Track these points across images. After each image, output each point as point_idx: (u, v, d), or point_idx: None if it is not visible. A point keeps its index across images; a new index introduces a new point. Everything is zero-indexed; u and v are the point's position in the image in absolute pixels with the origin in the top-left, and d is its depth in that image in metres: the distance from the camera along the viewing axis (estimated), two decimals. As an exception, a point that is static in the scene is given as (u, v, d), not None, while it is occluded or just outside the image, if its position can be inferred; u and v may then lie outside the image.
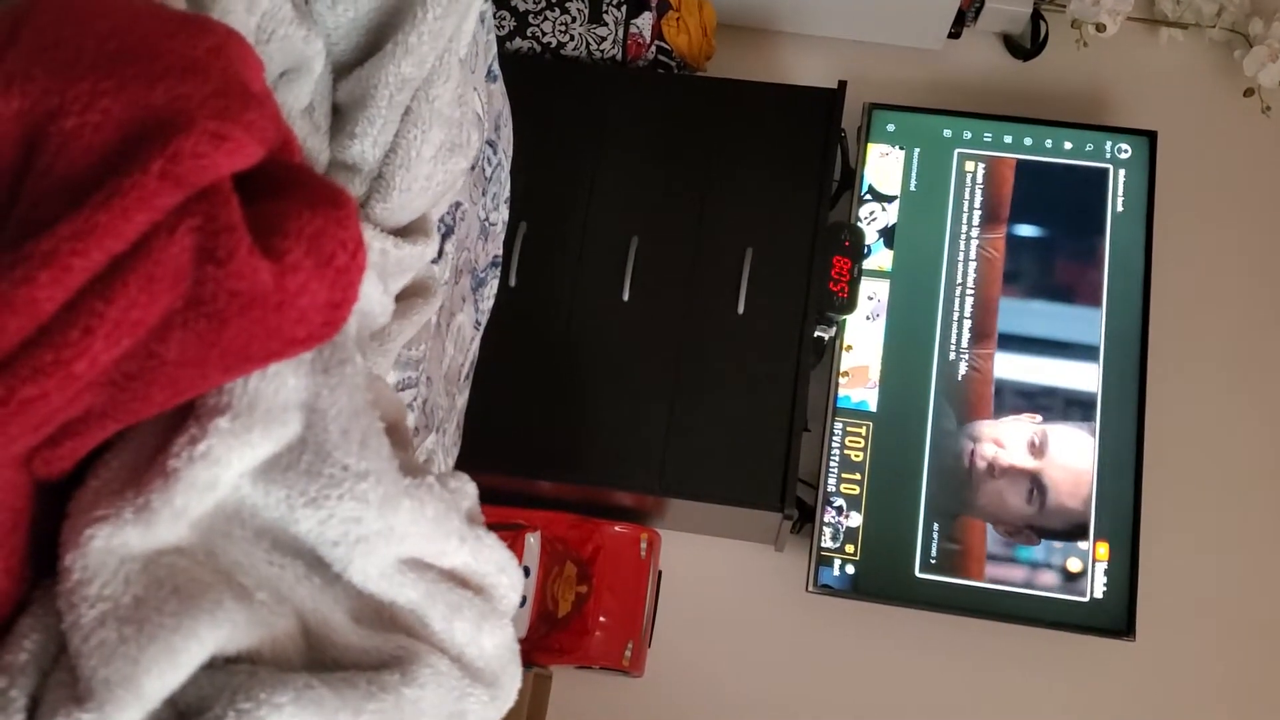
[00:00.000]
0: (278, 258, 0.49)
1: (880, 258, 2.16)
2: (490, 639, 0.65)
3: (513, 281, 1.96)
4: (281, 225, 0.49)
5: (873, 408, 2.07)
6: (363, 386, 0.58)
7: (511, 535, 2.04)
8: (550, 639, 2.04)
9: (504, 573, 0.67)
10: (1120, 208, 2.13)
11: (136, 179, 0.44)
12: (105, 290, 0.45)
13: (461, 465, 1.63)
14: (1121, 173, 2.15)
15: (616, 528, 2.08)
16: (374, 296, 0.69)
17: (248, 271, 0.47)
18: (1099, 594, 1.94)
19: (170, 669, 0.50)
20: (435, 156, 0.78)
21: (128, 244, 0.45)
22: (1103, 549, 1.96)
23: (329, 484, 0.56)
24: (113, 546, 0.51)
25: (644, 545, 2.08)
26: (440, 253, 1.28)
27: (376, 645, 0.59)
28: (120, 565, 0.51)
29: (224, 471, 0.53)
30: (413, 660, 0.59)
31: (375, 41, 0.76)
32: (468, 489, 0.64)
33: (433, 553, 0.61)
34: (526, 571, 2.04)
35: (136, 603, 0.51)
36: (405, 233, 0.79)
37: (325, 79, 0.76)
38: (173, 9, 0.52)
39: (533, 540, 2.05)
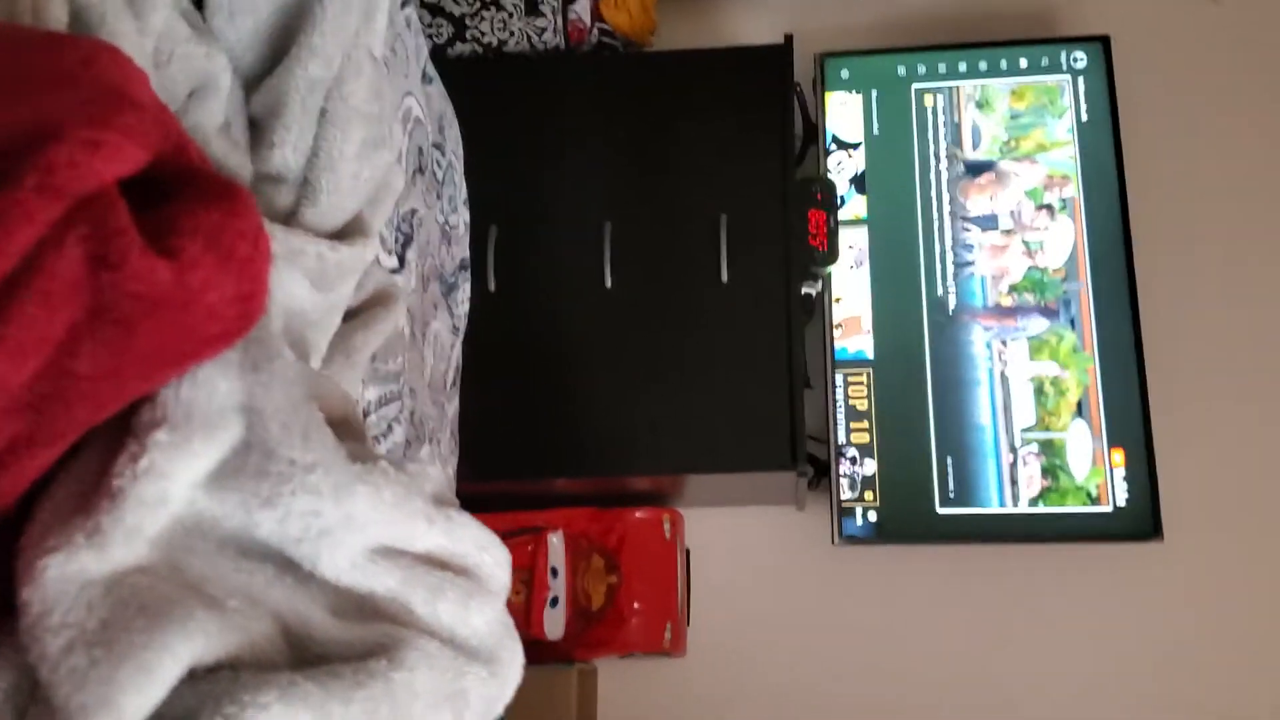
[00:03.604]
0: (175, 256, 0.48)
1: (854, 205, 2.15)
2: (479, 616, 0.65)
3: (492, 286, 1.96)
4: (175, 224, 0.49)
5: (870, 355, 2.07)
6: (296, 380, 0.58)
7: (533, 539, 2.04)
8: (588, 634, 2.04)
9: (485, 551, 0.67)
10: (1085, 117, 2.12)
11: (12, 197, 0.44)
12: (1, 313, 0.44)
13: (466, 475, 1.63)
14: (1080, 82, 2.13)
15: (637, 514, 2.07)
16: (301, 295, 0.68)
17: (145, 273, 0.47)
18: (1121, 502, 1.93)
19: (147, 685, 0.50)
20: (359, 154, 0.78)
21: (16, 263, 0.44)
22: (1118, 456, 1.95)
23: (279, 481, 0.55)
24: (69, 574, 0.51)
25: (667, 526, 2.08)
26: (402, 262, 1.28)
27: (360, 636, 0.59)
28: (80, 591, 0.51)
29: (171, 485, 0.53)
30: (399, 645, 0.59)
31: (280, 49, 0.76)
32: (429, 472, 0.64)
33: (401, 537, 0.61)
34: (554, 572, 2.04)
35: (103, 625, 0.50)
36: (341, 235, 0.78)
37: (236, 93, 0.76)
38: (38, 29, 0.51)
39: (555, 540, 2.05)
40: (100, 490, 0.52)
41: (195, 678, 0.54)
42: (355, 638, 0.59)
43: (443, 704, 0.61)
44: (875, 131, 2.17)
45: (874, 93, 2.20)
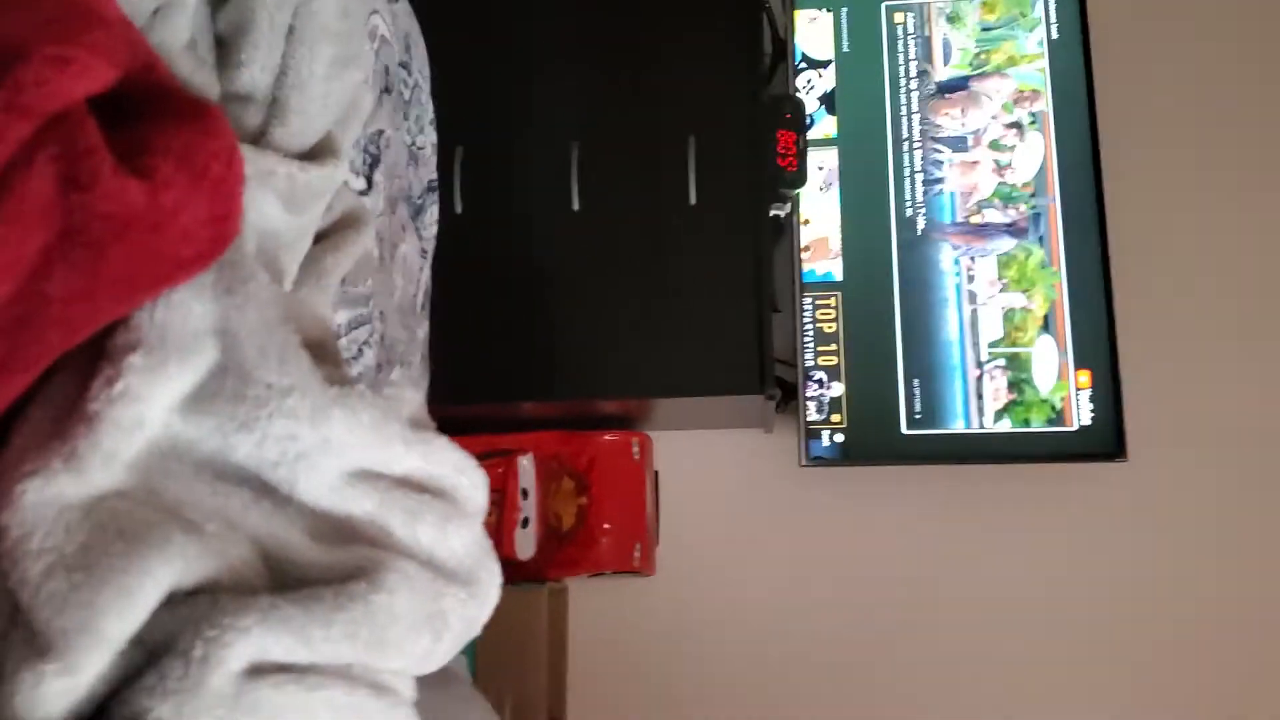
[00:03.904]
0: (148, 176, 0.47)
1: (824, 125, 2.14)
2: (458, 538, 0.65)
3: (458, 209, 1.94)
4: (148, 144, 0.48)
5: (839, 277, 2.07)
6: (271, 302, 0.57)
7: (503, 461, 2.05)
8: (559, 554, 2.06)
9: (463, 474, 0.67)
10: (1055, 35, 2.11)
11: (-20, 116, 0.43)
12: (-29, 235, 0.44)
13: (435, 399, 1.62)
14: (1052, -1, 2.12)
15: (606, 436, 2.09)
16: (275, 216, 0.67)
17: (116, 193, 0.46)
18: (1086, 421, 1.96)
19: (128, 609, 0.50)
20: (328, 73, 0.76)
21: (-14, 184, 0.44)
22: (1084, 377, 1.97)
23: (255, 405, 0.55)
24: (47, 498, 0.50)
25: (636, 449, 2.09)
26: (370, 183, 1.26)
27: (339, 559, 0.59)
28: (59, 515, 0.51)
29: (147, 408, 0.53)
30: (378, 567, 0.59)
31: (245, -36, 0.74)
32: (406, 395, 0.64)
33: (379, 461, 0.61)
34: (525, 494, 2.06)
35: (83, 549, 0.50)
36: (311, 156, 0.77)
37: (202, 10, 0.74)
38: (-2, -56, 0.50)
39: (525, 462, 2.06)
40: (76, 415, 0.52)
41: (175, 602, 0.54)
42: (335, 561, 0.59)
43: (422, 625, 0.61)
44: (845, 49, 2.15)
45: (844, 10, 2.17)
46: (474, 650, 1.96)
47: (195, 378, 0.55)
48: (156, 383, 0.53)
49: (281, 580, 0.58)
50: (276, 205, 0.67)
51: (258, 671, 0.54)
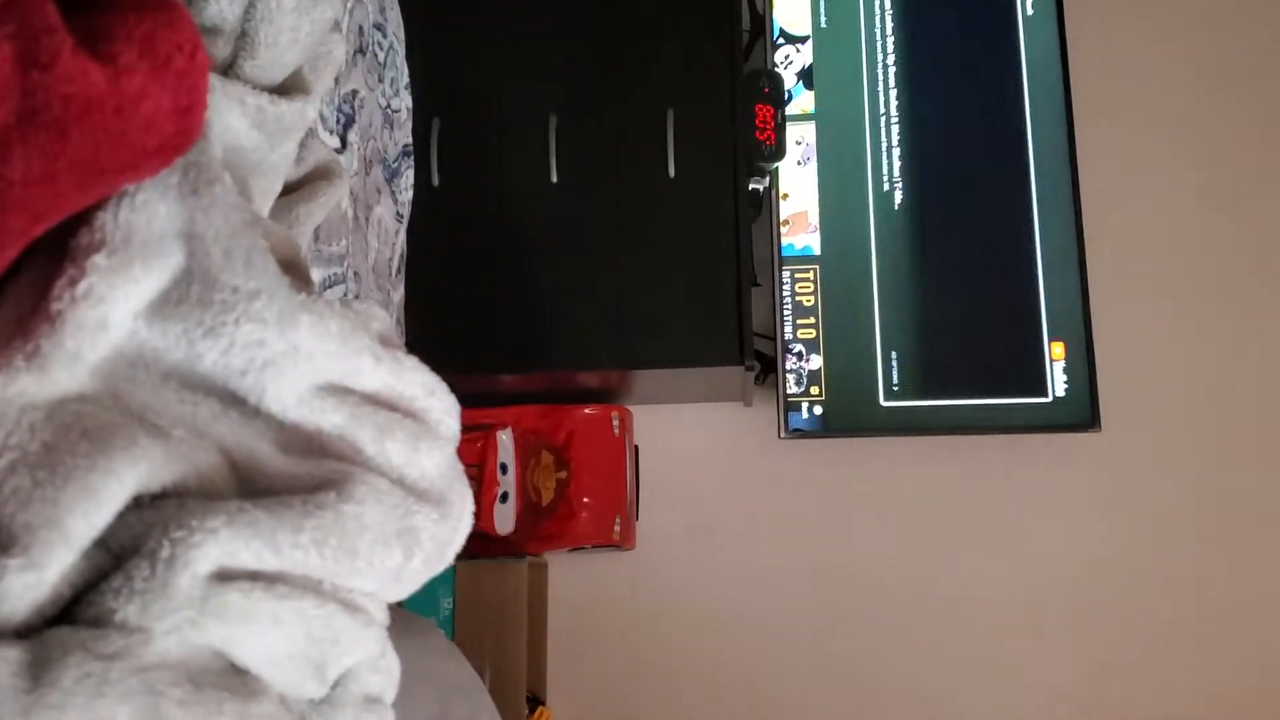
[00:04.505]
0: (109, 61, 0.47)
1: (802, 101, 2.14)
2: (429, 459, 0.65)
3: (435, 180, 1.94)
4: (108, 31, 0.48)
5: (817, 251, 2.08)
6: (238, 206, 0.57)
7: (483, 436, 2.05)
8: (539, 528, 2.06)
9: (434, 395, 0.67)
10: (1030, 10, 2.12)
11: (-66, -10, 0.43)
12: (-72, 113, 0.43)
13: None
14: (1028, -30, 2.13)
15: (586, 410, 2.09)
16: (242, 132, 0.67)
17: (77, 74, 0.46)
18: (1061, 393, 1.97)
19: (93, 508, 0.50)
20: (298, 7, 0.76)
21: (-60, 62, 0.43)
22: (1059, 349, 1.98)
23: (222, 310, 0.55)
24: (9, 396, 0.50)
25: (616, 422, 2.10)
26: (344, 143, 1.26)
27: (309, 471, 0.59)
28: (21, 414, 0.50)
29: (111, 310, 0.52)
30: (348, 480, 0.59)
31: (213, -106, 0.74)
32: (375, 311, 0.63)
33: (347, 372, 0.60)
34: (504, 469, 2.05)
35: (45, 449, 0.50)
36: (281, 91, 0.77)
37: (169, -59, 0.74)
38: None
39: (504, 437, 2.06)
40: (38, 314, 0.51)
41: (141, 506, 0.54)
42: (304, 472, 0.59)
43: (392, 540, 0.61)
44: (823, 25, 2.16)
45: (821, -15, 2.18)
46: (454, 623, 1.96)
47: (160, 281, 0.55)
48: (120, 284, 0.52)
49: (250, 489, 0.58)
50: (244, 122, 0.67)
51: (226, 577, 0.54)
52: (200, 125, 0.52)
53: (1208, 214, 2.18)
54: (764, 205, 2.11)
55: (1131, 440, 2.09)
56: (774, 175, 2.09)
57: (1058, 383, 1.97)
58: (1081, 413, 1.96)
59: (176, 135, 0.51)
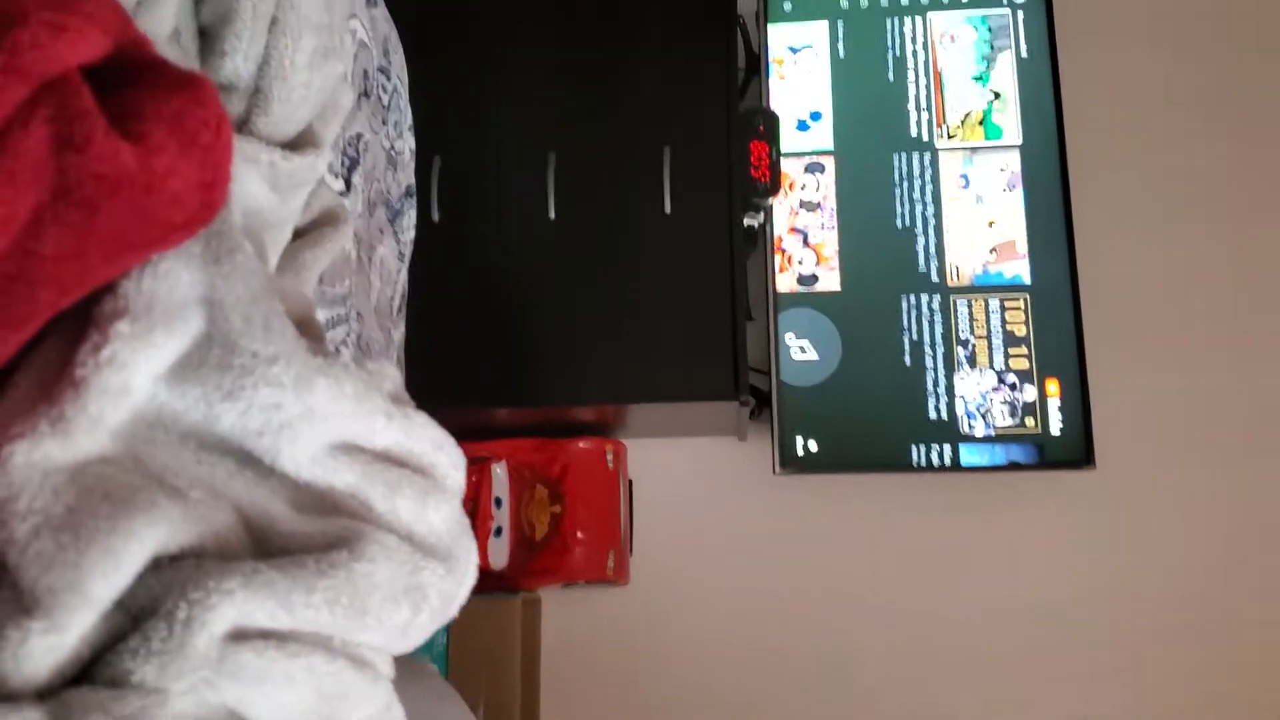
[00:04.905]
0: (139, 140, 0.49)
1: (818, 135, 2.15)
2: (437, 514, 0.66)
3: (435, 217, 1.96)
4: (139, 110, 0.49)
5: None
6: (257, 273, 0.58)
7: (477, 469, 2.05)
8: (533, 562, 2.06)
9: (442, 450, 0.68)
10: (1024, 53, 2.15)
11: (-23, 76, 0.44)
12: (-33, 192, 0.45)
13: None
14: (1020, 15, 2.16)
15: (580, 444, 2.10)
16: (260, 195, 0.69)
17: (109, 154, 0.47)
18: (1055, 431, 1.98)
19: (114, 570, 0.51)
20: (310, 64, 0.78)
21: (-19, 142, 0.45)
22: (1053, 386, 2.00)
23: (241, 374, 0.56)
24: (34, 461, 0.51)
25: (610, 456, 2.10)
26: (349, 186, 1.28)
27: (321, 529, 0.60)
28: (45, 479, 0.51)
29: (133, 376, 0.53)
30: (360, 538, 0.60)
31: (229, -45, 0.76)
32: (388, 371, 0.65)
33: (360, 432, 0.62)
34: (498, 502, 2.06)
35: (69, 512, 0.51)
36: (293, 146, 0.78)
37: (186, 2, 0.75)
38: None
39: (499, 470, 2.07)
40: (63, 380, 0.53)
41: (159, 567, 0.55)
42: (317, 531, 0.60)
43: (401, 596, 0.62)
44: (842, 55, 2.17)
45: (839, 22, 2.19)
46: (447, 660, 1.96)
47: (181, 346, 0.56)
48: (143, 350, 0.54)
49: (264, 549, 0.59)
50: (262, 185, 0.69)
51: (240, 636, 0.55)
52: (224, 199, 0.54)
53: (1200, 251, 2.20)
54: (759, 241, 2.13)
55: (1126, 480, 2.11)
56: (769, 211, 2.11)
57: (1052, 421, 1.99)
58: (1075, 451, 1.98)
59: (202, 209, 0.52)
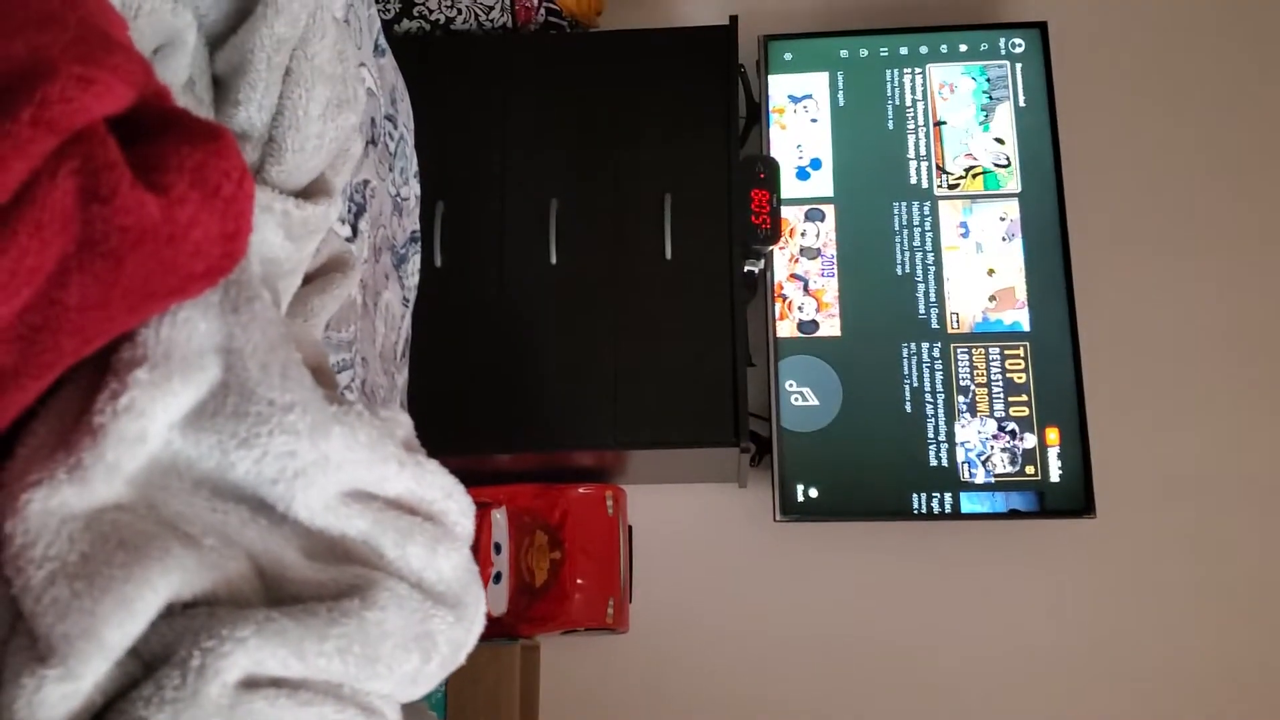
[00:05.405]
0: (163, 192, 0.49)
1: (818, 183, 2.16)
2: (447, 561, 0.67)
3: (438, 262, 1.97)
4: (162, 161, 0.50)
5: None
6: (275, 322, 0.59)
7: (476, 515, 2.04)
8: (532, 609, 2.05)
9: (451, 498, 0.69)
10: (1023, 103, 2.17)
11: (8, 128, 0.45)
12: (-4, 243, 0.45)
13: (414, 447, 1.64)
14: (1019, 67, 2.18)
15: (581, 490, 2.09)
16: (276, 244, 0.69)
17: (134, 206, 0.48)
18: (1055, 479, 1.98)
19: (128, 618, 0.51)
20: (323, 114, 0.79)
21: (9, 194, 0.45)
22: (1053, 434, 2.00)
23: (257, 421, 0.57)
24: (51, 508, 0.52)
25: (610, 502, 2.10)
26: (355, 231, 1.29)
27: (333, 577, 0.60)
28: (61, 525, 0.52)
29: (150, 423, 0.54)
30: (371, 586, 0.60)
31: (245, 7, 0.77)
32: (400, 418, 0.65)
33: (373, 480, 0.62)
34: (498, 548, 2.05)
35: (84, 559, 0.51)
36: (306, 194, 0.79)
37: (201, 51, 0.76)
38: (22, -29, 0.52)
39: (499, 516, 2.06)
40: (81, 427, 0.53)
41: (172, 614, 0.55)
42: (329, 578, 0.60)
43: (411, 644, 0.62)
44: (841, 103, 2.19)
45: (840, 74, 2.21)
46: (446, 707, 1.94)
47: (198, 394, 0.56)
48: (160, 398, 0.54)
49: (277, 596, 0.59)
50: (279, 233, 0.69)
51: (252, 684, 0.55)
52: (245, 249, 0.54)
53: (1199, 300, 2.21)
54: (759, 287, 2.14)
55: (1126, 529, 2.11)
56: (769, 257, 2.12)
57: (1052, 469, 1.99)
58: (1075, 499, 1.97)
59: (223, 259, 0.53)
